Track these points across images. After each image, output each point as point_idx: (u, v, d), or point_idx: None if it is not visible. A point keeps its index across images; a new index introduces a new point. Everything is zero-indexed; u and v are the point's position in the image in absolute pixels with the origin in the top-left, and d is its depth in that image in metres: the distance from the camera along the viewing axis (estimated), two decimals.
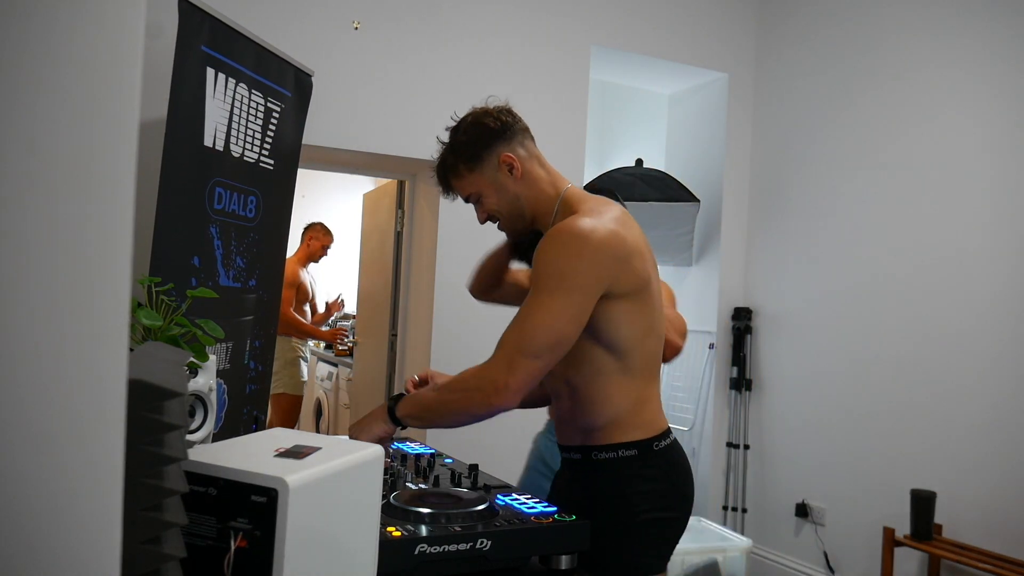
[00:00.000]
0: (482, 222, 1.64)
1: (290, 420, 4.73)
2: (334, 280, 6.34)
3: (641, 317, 1.51)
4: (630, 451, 1.52)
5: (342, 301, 5.41)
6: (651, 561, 1.53)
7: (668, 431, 1.59)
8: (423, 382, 1.72)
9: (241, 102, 2.52)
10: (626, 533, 1.48)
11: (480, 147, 1.55)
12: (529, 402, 1.74)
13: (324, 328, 5.20)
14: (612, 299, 1.45)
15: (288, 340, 4.69)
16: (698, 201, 4.00)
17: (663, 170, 4.20)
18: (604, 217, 1.47)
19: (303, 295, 4.89)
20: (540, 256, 1.45)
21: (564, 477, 1.66)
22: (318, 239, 4.88)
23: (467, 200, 1.62)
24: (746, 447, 4.04)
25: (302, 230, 4.93)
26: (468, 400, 1.41)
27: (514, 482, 2.12)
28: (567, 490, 1.61)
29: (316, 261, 4.97)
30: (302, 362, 4.90)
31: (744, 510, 4.02)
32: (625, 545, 1.47)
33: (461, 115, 1.63)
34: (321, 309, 5.24)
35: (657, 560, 1.54)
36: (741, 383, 4.05)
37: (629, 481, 1.51)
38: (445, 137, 1.62)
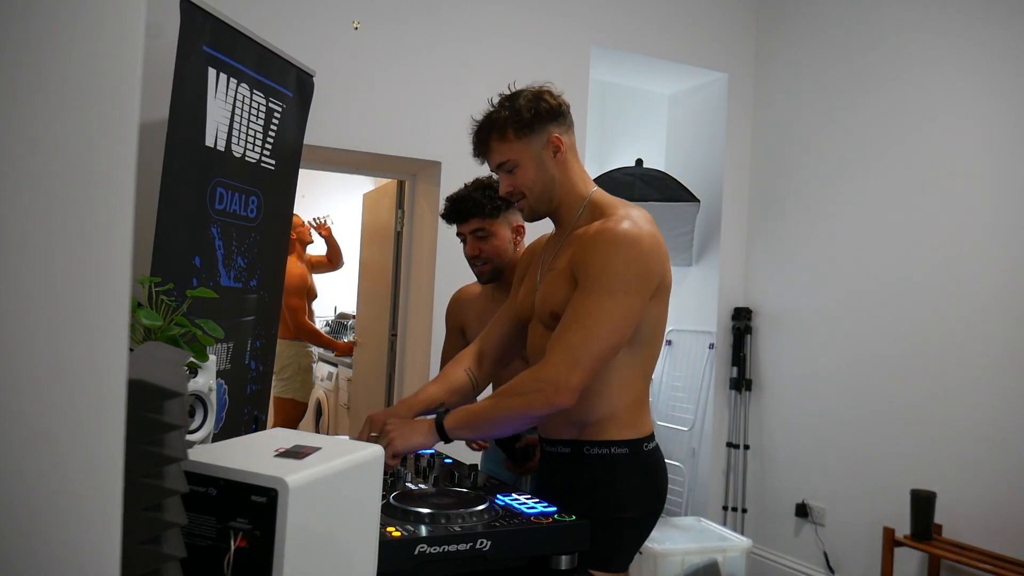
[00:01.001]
0: (504, 193, 1.62)
1: (294, 427, 4.70)
2: (334, 280, 6.34)
3: (661, 317, 1.57)
4: (622, 449, 1.54)
5: (321, 220, 5.12)
6: (623, 559, 1.55)
7: (653, 435, 1.63)
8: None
9: (242, 102, 2.52)
10: (606, 530, 1.49)
11: (536, 119, 1.56)
12: None
13: (332, 335, 5.11)
14: (649, 299, 1.50)
15: (304, 346, 4.65)
16: (698, 201, 4.00)
17: (663, 170, 4.20)
18: (643, 220, 1.52)
19: (311, 296, 4.87)
20: (593, 257, 1.47)
21: (546, 471, 1.66)
22: (296, 226, 4.73)
23: (498, 167, 1.61)
24: (746, 447, 4.04)
25: None
26: (528, 403, 1.43)
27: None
28: (552, 484, 1.61)
29: (312, 242, 4.93)
30: (314, 368, 4.88)
31: (744, 510, 4.02)
32: (603, 541, 1.48)
33: (500, 87, 1.65)
34: (321, 310, 5.13)
35: (627, 558, 1.56)
36: (741, 383, 4.05)
37: (618, 479, 1.54)
38: (496, 100, 1.62)
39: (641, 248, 1.46)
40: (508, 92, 1.63)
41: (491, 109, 1.62)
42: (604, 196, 1.61)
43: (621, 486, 1.54)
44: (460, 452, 1.88)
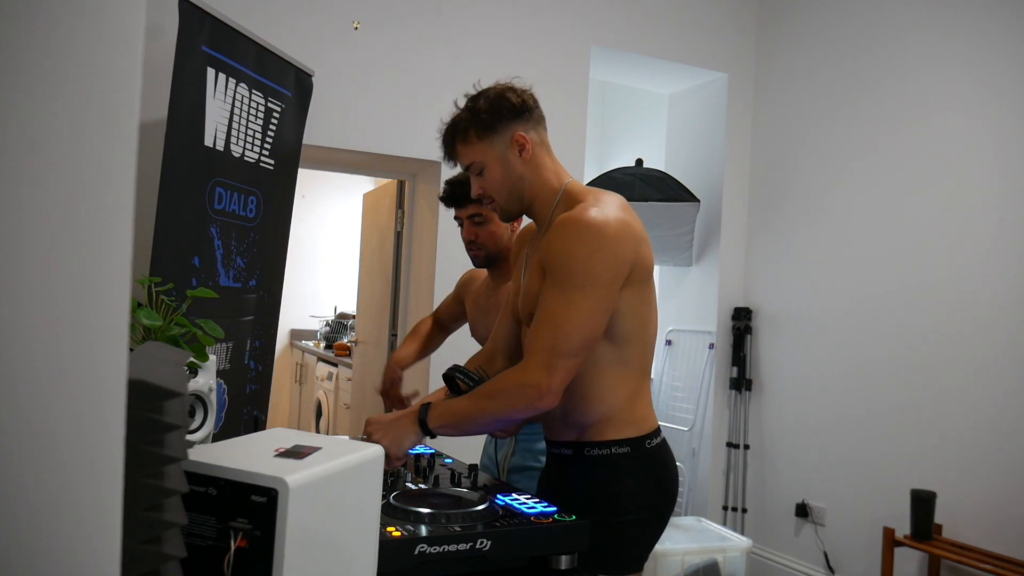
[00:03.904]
0: (474, 195, 1.61)
1: None
2: (334, 280, 6.34)
3: (644, 307, 1.53)
4: (623, 448, 1.52)
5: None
6: (631, 561, 1.53)
7: (659, 430, 1.59)
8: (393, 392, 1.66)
9: (242, 102, 2.52)
10: (610, 531, 1.47)
11: (496, 119, 1.53)
12: None
13: None
14: (623, 288, 1.46)
15: None
16: (698, 201, 4.00)
17: (663, 170, 4.20)
18: (611, 206, 1.48)
19: None
20: (558, 250, 1.44)
21: (551, 473, 1.65)
22: None
23: (467, 169, 1.60)
24: (746, 447, 4.04)
25: None
26: (511, 406, 1.43)
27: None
28: (555, 485, 1.60)
29: None
30: None
31: (744, 510, 4.02)
32: (608, 543, 1.46)
33: (484, 86, 1.61)
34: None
35: (637, 560, 1.54)
36: (741, 383, 4.05)
37: (621, 479, 1.52)
38: (462, 102, 1.60)
39: (606, 235, 1.42)
40: (474, 91, 1.60)
41: (456, 111, 1.59)
42: (577, 186, 1.57)
43: (623, 487, 1.51)
44: (460, 452, 1.88)
